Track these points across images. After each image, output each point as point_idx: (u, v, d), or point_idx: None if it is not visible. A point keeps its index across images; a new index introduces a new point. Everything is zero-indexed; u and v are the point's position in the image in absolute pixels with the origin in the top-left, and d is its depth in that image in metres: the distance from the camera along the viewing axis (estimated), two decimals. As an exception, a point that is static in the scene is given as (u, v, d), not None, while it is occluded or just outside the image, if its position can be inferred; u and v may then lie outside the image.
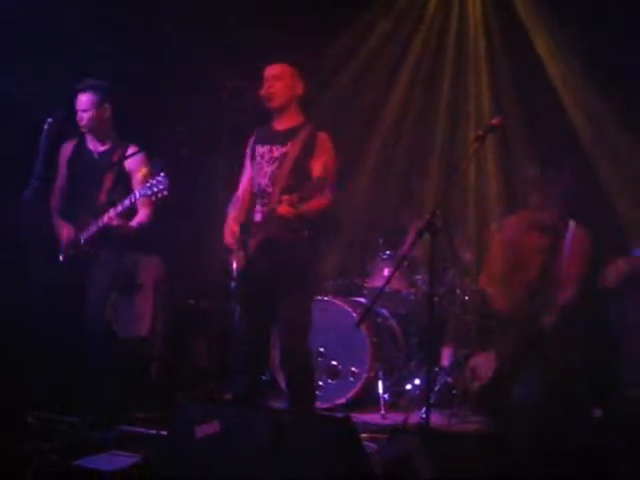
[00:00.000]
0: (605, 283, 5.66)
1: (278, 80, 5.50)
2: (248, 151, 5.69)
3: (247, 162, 5.69)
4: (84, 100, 6.09)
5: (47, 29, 7.12)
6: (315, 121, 5.60)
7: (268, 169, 5.49)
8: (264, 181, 5.49)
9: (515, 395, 5.69)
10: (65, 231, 6.12)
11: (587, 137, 7.03)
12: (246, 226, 5.49)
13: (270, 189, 5.45)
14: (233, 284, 5.58)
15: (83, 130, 6.15)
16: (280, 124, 5.57)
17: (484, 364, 5.75)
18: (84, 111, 6.09)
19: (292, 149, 5.44)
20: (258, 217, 5.49)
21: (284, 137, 5.51)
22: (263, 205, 5.48)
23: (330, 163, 5.41)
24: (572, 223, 5.89)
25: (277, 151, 5.50)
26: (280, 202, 5.24)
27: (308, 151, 5.43)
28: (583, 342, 5.85)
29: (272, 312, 5.43)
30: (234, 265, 5.48)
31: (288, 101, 5.53)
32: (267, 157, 5.52)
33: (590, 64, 7.08)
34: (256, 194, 5.56)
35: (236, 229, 5.48)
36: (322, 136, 5.48)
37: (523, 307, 5.78)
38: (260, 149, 5.56)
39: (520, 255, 5.97)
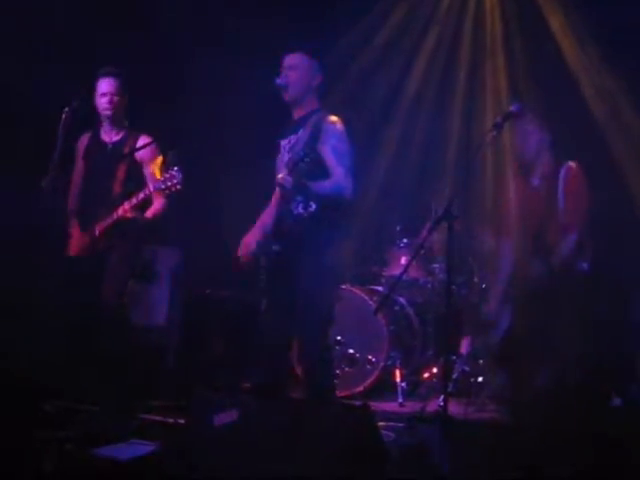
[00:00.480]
0: None
1: (293, 70, 5.49)
2: (274, 147, 5.70)
3: (274, 158, 5.68)
4: (108, 84, 6.12)
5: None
6: (329, 107, 5.58)
7: (287, 157, 5.50)
8: (284, 171, 5.48)
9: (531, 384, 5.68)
10: (76, 242, 6.16)
11: (602, 119, 6.99)
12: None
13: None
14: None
15: (104, 116, 6.17)
16: (297, 114, 5.57)
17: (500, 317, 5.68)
18: (106, 95, 6.12)
19: (302, 134, 5.44)
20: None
21: (298, 125, 5.52)
22: (283, 195, 5.47)
23: (339, 146, 5.38)
24: (564, 165, 5.71)
25: (293, 140, 5.51)
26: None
27: (316, 136, 5.38)
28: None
29: (294, 301, 5.41)
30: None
31: (303, 91, 5.51)
32: (287, 147, 5.54)
33: (604, 44, 7.05)
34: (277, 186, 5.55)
35: (251, 243, 5.51)
36: (330, 119, 5.44)
37: (530, 259, 5.67)
38: (283, 142, 5.58)
39: (523, 208, 5.80)
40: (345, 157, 5.37)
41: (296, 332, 5.43)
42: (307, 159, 5.21)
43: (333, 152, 5.32)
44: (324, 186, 5.31)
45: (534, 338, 5.50)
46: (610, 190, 6.41)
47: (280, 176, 5.26)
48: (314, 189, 5.27)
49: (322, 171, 5.33)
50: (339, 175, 5.31)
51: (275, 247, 5.34)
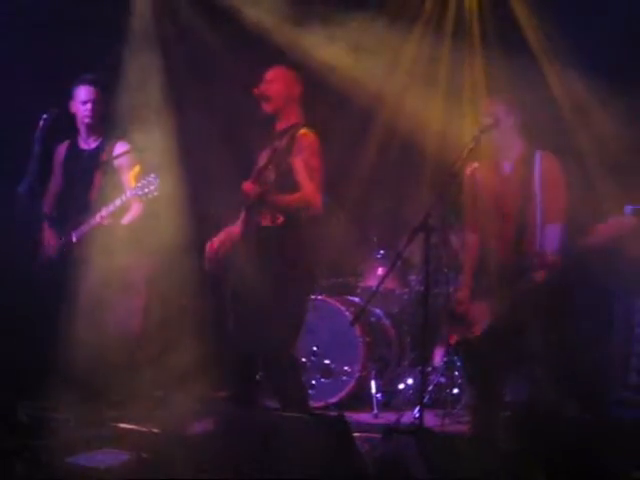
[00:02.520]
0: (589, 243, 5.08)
1: (272, 83, 5.55)
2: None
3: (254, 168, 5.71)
4: (88, 92, 6.14)
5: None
6: (311, 121, 5.61)
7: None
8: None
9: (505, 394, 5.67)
10: (50, 243, 6.14)
11: (581, 136, 7.00)
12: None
13: None
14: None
15: (82, 123, 6.18)
16: (279, 126, 5.61)
17: (480, 314, 5.57)
18: (86, 102, 6.12)
19: (278, 148, 5.48)
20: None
21: (277, 138, 5.55)
22: None
23: (312, 161, 5.42)
24: (538, 153, 5.44)
25: (270, 151, 5.55)
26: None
27: (288, 149, 5.44)
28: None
29: (262, 311, 5.42)
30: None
31: (283, 104, 5.55)
32: (264, 160, 5.55)
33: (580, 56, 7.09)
34: None
35: (215, 245, 5.54)
36: (304, 133, 5.48)
37: (512, 258, 5.43)
38: (264, 153, 5.60)
39: (495, 202, 5.53)
40: (316, 172, 5.41)
41: (263, 343, 5.44)
42: (280, 179, 5.34)
43: (305, 166, 5.36)
44: (291, 199, 5.35)
45: (509, 347, 5.47)
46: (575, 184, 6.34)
47: (246, 184, 5.28)
48: (280, 202, 5.30)
49: (291, 183, 5.38)
50: (309, 190, 5.34)
51: (241, 260, 5.36)
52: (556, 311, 5.42)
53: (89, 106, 6.13)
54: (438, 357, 7.54)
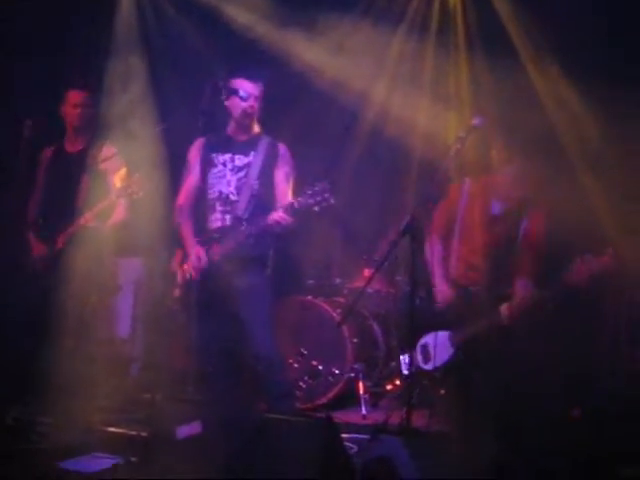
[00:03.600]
0: (572, 279, 5.21)
1: (258, 100, 5.69)
2: (195, 157, 5.74)
3: (195, 168, 5.73)
4: (79, 97, 6.14)
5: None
6: (272, 133, 5.80)
7: (232, 177, 5.65)
8: (228, 189, 5.63)
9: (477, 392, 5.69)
10: (36, 247, 6.14)
11: (565, 136, 7.03)
12: (204, 232, 5.57)
13: (235, 197, 5.60)
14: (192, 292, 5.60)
15: (70, 126, 6.18)
16: (241, 135, 5.73)
17: (436, 345, 5.64)
18: (77, 107, 6.14)
19: (255, 159, 5.63)
20: (218, 223, 5.60)
21: (245, 147, 5.69)
22: (226, 212, 5.59)
23: (291, 173, 5.68)
24: (529, 211, 5.56)
25: (240, 160, 5.66)
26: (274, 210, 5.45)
27: (271, 161, 5.65)
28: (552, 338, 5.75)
29: (237, 313, 5.53)
30: (191, 272, 5.54)
31: (256, 119, 5.76)
32: (230, 165, 5.66)
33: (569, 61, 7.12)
34: (213, 199, 5.62)
35: (202, 255, 5.57)
36: (282, 147, 5.72)
37: (484, 284, 5.56)
38: (220, 157, 5.68)
39: (473, 225, 5.67)
40: (292, 183, 5.69)
41: (247, 345, 5.48)
42: (263, 190, 5.56)
43: (286, 179, 5.64)
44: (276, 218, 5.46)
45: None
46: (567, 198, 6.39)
47: (279, 215, 5.39)
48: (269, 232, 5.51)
49: (273, 195, 5.62)
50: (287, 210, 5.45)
51: (226, 270, 5.46)
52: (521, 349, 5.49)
53: (79, 110, 6.16)
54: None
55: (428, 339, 5.79)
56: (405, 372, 7.24)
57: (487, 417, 5.38)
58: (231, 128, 5.72)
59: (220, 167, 5.65)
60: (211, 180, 5.66)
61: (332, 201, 5.37)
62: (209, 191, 5.66)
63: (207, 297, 5.53)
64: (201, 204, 5.70)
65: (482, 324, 5.45)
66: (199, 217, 5.71)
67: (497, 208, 5.65)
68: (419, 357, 5.77)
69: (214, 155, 5.68)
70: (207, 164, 5.69)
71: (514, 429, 5.34)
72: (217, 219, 5.61)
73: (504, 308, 5.43)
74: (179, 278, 5.64)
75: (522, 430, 5.33)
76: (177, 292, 5.62)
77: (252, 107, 5.63)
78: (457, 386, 5.62)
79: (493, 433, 5.26)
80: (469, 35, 7.83)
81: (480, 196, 5.68)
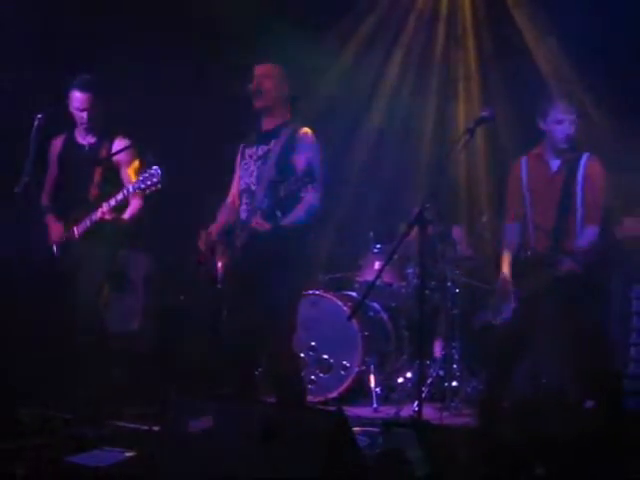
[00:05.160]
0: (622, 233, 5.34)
1: (267, 78, 5.51)
2: (238, 156, 5.70)
3: (236, 167, 5.70)
4: (82, 100, 6.08)
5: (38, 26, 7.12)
6: (300, 119, 5.61)
7: (254, 168, 5.51)
8: (250, 179, 5.52)
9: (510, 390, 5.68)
10: (55, 230, 6.13)
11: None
12: (233, 226, 5.51)
13: (255, 187, 5.47)
14: (219, 285, 5.57)
15: (80, 123, 6.16)
16: (267, 124, 5.59)
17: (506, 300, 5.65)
18: (81, 110, 6.09)
19: (275, 146, 5.46)
20: (244, 215, 5.50)
21: (269, 136, 5.53)
22: (249, 203, 5.49)
23: (313, 158, 5.39)
24: (585, 155, 5.55)
25: (261, 150, 5.52)
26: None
27: (290, 147, 5.44)
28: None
29: (257, 309, 5.43)
30: (219, 265, 5.49)
31: (275, 101, 5.53)
32: (255, 157, 5.54)
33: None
34: (241, 192, 5.57)
35: (212, 233, 5.51)
36: (303, 132, 5.49)
37: (546, 248, 5.51)
38: (249, 150, 5.59)
39: (536, 193, 5.68)
40: (317, 170, 5.39)
41: (264, 341, 5.45)
42: (282, 177, 5.28)
43: (307, 164, 5.34)
44: (299, 217, 5.34)
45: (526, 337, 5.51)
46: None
47: (256, 221, 5.23)
48: (290, 226, 5.30)
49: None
50: (311, 192, 5.32)
51: (247, 263, 5.35)
52: (576, 302, 5.44)
53: (84, 114, 6.11)
54: (437, 350, 7.56)
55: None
56: (438, 355, 7.31)
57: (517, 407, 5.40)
58: (262, 119, 5.65)
59: (247, 159, 5.58)
60: (241, 173, 5.62)
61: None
62: (241, 183, 5.61)
63: (225, 292, 5.50)
64: (239, 197, 5.65)
65: (542, 277, 5.43)
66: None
67: (555, 166, 5.63)
68: (489, 314, 5.72)
69: (246, 150, 5.64)
70: (242, 159, 5.66)
71: (535, 420, 5.34)
72: (243, 210, 5.54)
73: (564, 260, 5.39)
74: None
75: (543, 421, 5.33)
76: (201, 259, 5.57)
77: (260, 87, 5.51)
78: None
79: (515, 424, 5.27)
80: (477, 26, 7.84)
81: (538, 159, 5.68)
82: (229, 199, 5.73)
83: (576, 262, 5.31)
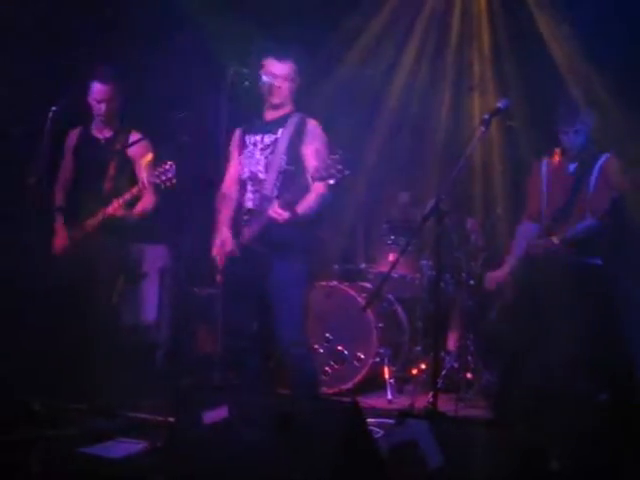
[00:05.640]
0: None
1: (286, 81, 5.56)
2: (235, 142, 5.70)
3: (234, 152, 5.69)
4: (101, 91, 6.09)
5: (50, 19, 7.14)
6: (304, 110, 5.65)
7: (261, 156, 5.53)
8: (257, 168, 5.53)
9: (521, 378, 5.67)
10: (59, 241, 6.14)
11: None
12: (236, 214, 5.52)
13: (264, 175, 5.49)
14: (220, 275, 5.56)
15: (97, 116, 6.17)
16: (272, 113, 5.62)
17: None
18: (100, 102, 6.10)
19: (283, 136, 5.49)
20: (250, 204, 5.50)
21: (275, 125, 5.56)
22: (256, 191, 5.49)
23: (322, 150, 5.42)
24: (604, 156, 5.66)
25: (268, 139, 5.55)
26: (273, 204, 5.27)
27: (299, 137, 5.48)
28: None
29: (266, 299, 5.45)
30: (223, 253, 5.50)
31: (289, 98, 5.59)
32: (260, 145, 5.56)
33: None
34: (245, 180, 5.57)
35: (228, 239, 5.49)
36: (312, 123, 5.55)
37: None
38: (252, 138, 5.60)
39: (551, 194, 5.79)
40: (327, 159, 5.38)
41: (275, 332, 5.45)
42: (292, 167, 5.37)
43: (316, 155, 5.36)
44: (311, 207, 5.38)
45: (526, 328, 5.53)
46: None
47: (274, 211, 5.23)
48: (304, 216, 5.33)
49: (303, 173, 5.39)
50: (323, 184, 5.32)
51: (257, 252, 5.36)
52: (587, 291, 5.46)
53: (103, 106, 6.11)
54: (451, 342, 7.55)
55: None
56: (452, 349, 7.33)
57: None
58: (266, 110, 5.66)
59: (250, 147, 5.58)
60: (243, 161, 5.62)
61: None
62: (242, 172, 5.61)
63: (235, 282, 5.49)
64: (240, 185, 5.65)
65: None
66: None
67: (572, 167, 5.73)
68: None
69: (247, 137, 5.63)
70: (242, 148, 5.65)
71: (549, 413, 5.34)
72: (249, 199, 5.54)
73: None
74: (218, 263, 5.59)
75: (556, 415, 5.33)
76: (219, 278, 5.56)
77: (279, 87, 5.54)
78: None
79: (530, 418, 5.28)
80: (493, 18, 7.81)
81: (557, 161, 5.77)
82: (224, 186, 5.72)
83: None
